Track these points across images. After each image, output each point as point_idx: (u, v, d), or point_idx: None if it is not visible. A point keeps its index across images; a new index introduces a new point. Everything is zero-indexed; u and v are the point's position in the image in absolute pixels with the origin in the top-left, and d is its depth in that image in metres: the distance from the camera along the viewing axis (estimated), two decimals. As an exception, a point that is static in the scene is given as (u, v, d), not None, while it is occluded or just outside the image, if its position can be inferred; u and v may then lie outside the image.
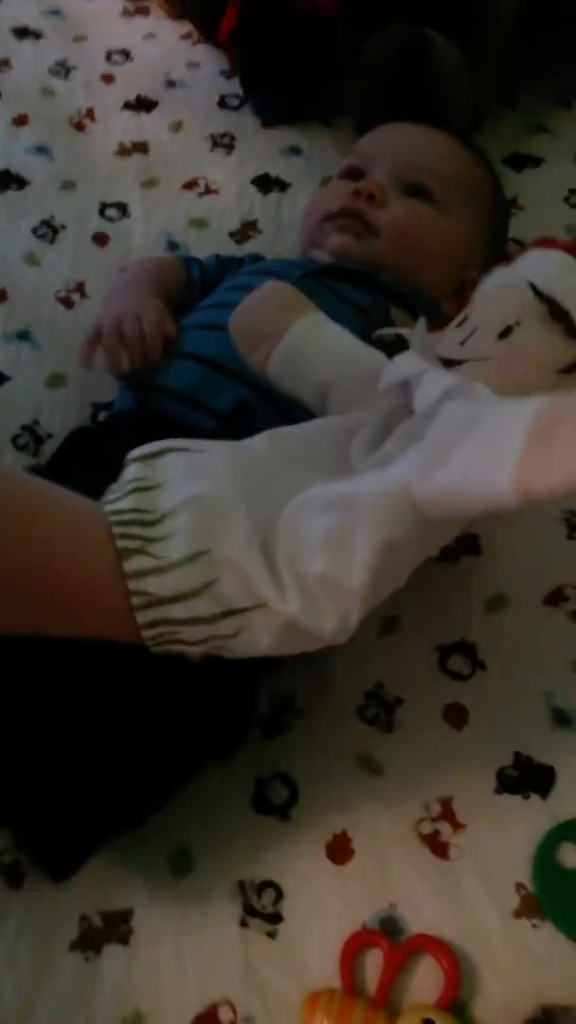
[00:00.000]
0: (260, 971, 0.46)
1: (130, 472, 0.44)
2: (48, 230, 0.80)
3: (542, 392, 0.43)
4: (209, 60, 0.94)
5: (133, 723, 0.44)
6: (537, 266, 0.47)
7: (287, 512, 0.42)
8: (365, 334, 0.57)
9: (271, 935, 0.47)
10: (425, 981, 0.46)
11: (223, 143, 0.88)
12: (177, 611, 0.40)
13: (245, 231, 0.81)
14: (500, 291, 0.47)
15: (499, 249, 0.74)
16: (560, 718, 0.55)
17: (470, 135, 0.84)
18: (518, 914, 0.48)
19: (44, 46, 0.95)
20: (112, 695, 0.44)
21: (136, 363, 0.60)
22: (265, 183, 0.85)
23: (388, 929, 0.48)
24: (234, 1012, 0.45)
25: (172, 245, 0.80)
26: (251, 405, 0.54)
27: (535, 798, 0.52)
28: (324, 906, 0.48)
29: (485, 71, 0.82)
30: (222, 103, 0.91)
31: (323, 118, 0.90)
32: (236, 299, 0.60)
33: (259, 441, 0.47)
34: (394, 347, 0.58)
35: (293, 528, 0.42)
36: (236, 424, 0.53)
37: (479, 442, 0.39)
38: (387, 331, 0.50)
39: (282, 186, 0.85)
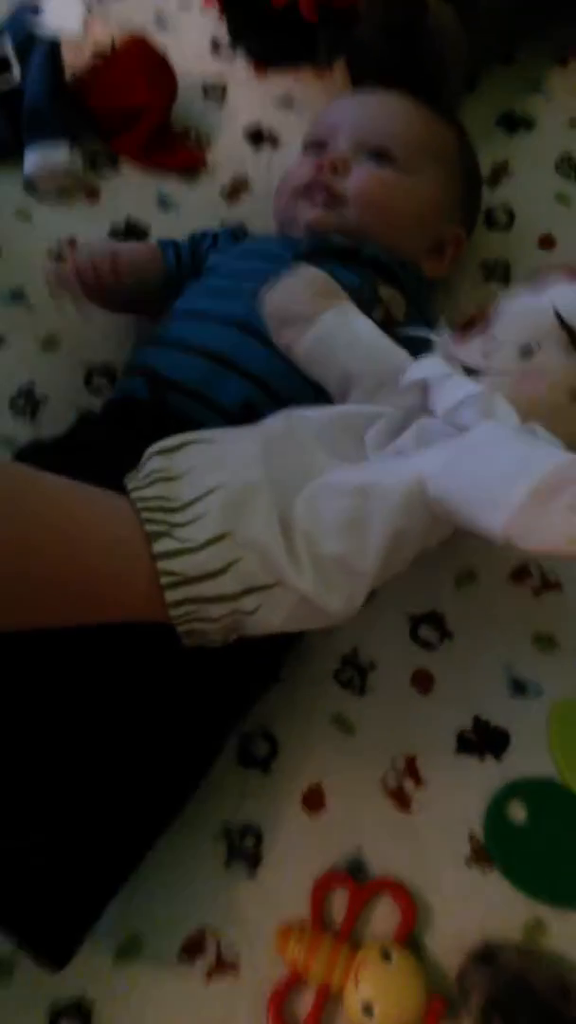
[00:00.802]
0: (241, 905, 0.52)
1: (152, 464, 0.46)
2: (39, 184, 0.79)
3: (554, 410, 0.47)
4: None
5: (113, 799, 0.46)
6: (564, 296, 0.50)
7: (307, 493, 0.45)
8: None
9: (251, 875, 0.53)
10: (385, 917, 0.52)
11: (214, 92, 0.87)
12: (204, 589, 0.43)
13: (237, 189, 0.81)
14: (526, 313, 0.51)
15: (473, 207, 0.75)
16: (517, 687, 0.60)
17: (463, 96, 0.84)
18: (469, 862, 0.54)
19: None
20: (88, 775, 0.45)
21: (90, 292, 0.66)
22: (257, 137, 0.84)
23: (354, 871, 0.54)
24: (217, 940, 0.52)
25: (163, 202, 0.80)
26: (257, 405, 0.56)
27: (490, 759, 0.58)
28: (298, 850, 0.54)
29: (482, 31, 0.81)
30: (214, 47, 0.89)
31: (317, 62, 0.88)
32: (231, 286, 0.62)
33: (278, 421, 0.51)
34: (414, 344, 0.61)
35: (312, 509, 0.45)
36: (244, 422, 0.55)
37: (494, 473, 0.42)
38: (413, 331, 0.53)
39: (274, 142, 0.84)
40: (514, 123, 0.86)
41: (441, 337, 0.52)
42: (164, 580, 0.43)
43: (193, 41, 0.90)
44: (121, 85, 0.79)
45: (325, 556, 0.44)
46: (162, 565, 0.43)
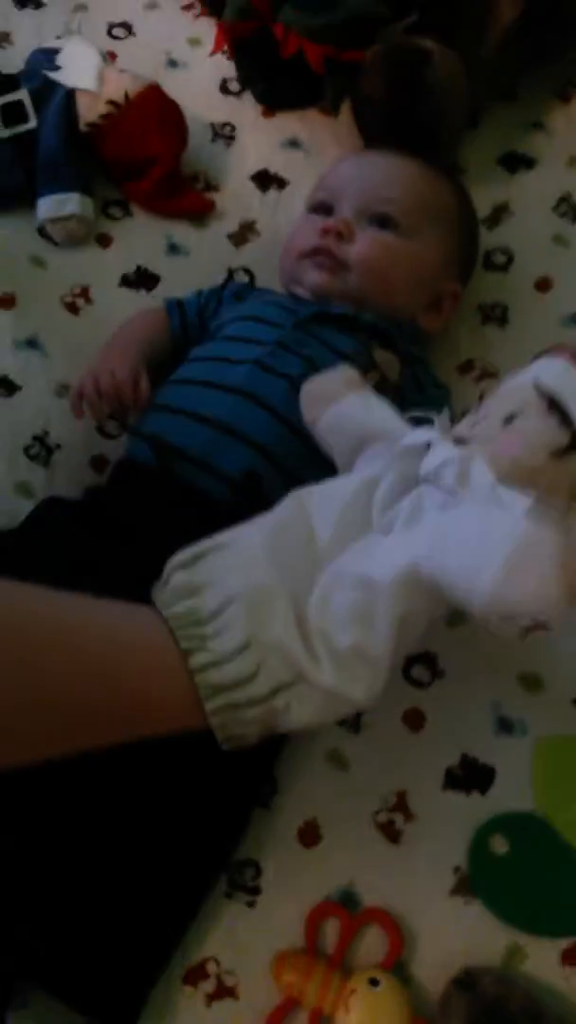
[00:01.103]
0: (240, 934, 0.57)
1: (176, 580, 0.49)
2: (55, 230, 0.83)
3: (533, 471, 0.50)
4: (211, 35, 0.94)
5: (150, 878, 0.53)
6: (543, 367, 0.53)
7: (317, 591, 0.48)
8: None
9: (250, 904, 0.58)
10: (374, 946, 0.56)
11: (223, 133, 0.90)
12: (238, 695, 0.45)
13: (243, 233, 0.84)
14: (512, 387, 0.53)
15: (471, 260, 0.78)
16: (503, 725, 0.64)
17: (464, 136, 0.86)
18: (453, 892, 0.58)
19: (45, 20, 0.94)
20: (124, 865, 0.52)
21: (115, 413, 0.68)
22: (264, 179, 0.87)
23: (346, 902, 0.58)
24: (218, 966, 0.56)
25: (172, 248, 0.83)
26: (260, 475, 0.60)
27: (476, 794, 0.61)
28: (294, 881, 0.58)
29: (485, 74, 0.83)
30: (224, 88, 0.92)
31: (324, 104, 0.90)
32: (233, 353, 0.66)
33: (286, 509, 0.52)
34: (376, 389, 0.64)
35: (323, 604, 0.47)
36: (247, 490, 0.59)
37: (473, 547, 0.46)
38: (417, 414, 0.56)
39: (280, 183, 0.87)
40: (515, 162, 0.88)
41: (441, 415, 0.55)
42: (203, 692, 0.45)
43: (203, 80, 0.92)
44: (134, 134, 0.82)
45: (341, 648, 0.46)
46: (199, 679, 0.45)
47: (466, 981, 0.54)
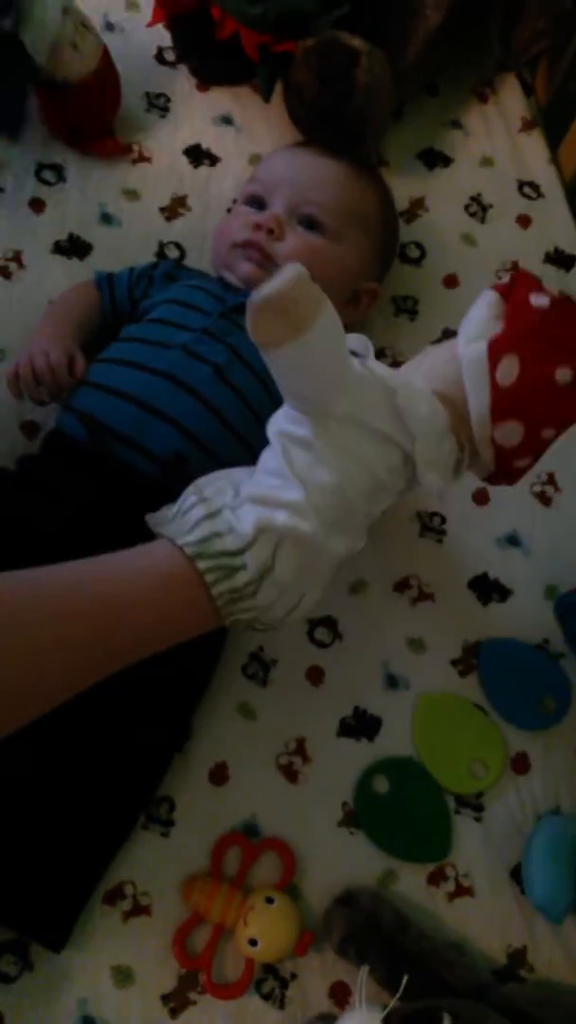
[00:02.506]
0: (154, 860, 0.64)
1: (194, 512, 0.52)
2: (-14, 191, 0.84)
3: None
4: (148, 0, 0.94)
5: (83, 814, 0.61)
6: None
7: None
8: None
9: (164, 835, 0.65)
10: (270, 870, 0.65)
11: (158, 104, 0.91)
12: (234, 561, 0.50)
13: (175, 207, 0.87)
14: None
15: (389, 261, 0.83)
16: (391, 682, 0.72)
17: (388, 129, 0.91)
18: (340, 824, 0.67)
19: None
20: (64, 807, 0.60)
21: (50, 392, 0.71)
22: (196, 154, 0.90)
23: (248, 832, 0.66)
24: (135, 887, 0.64)
25: (105, 218, 0.85)
26: (188, 457, 0.65)
27: (364, 741, 0.70)
28: (204, 815, 0.66)
29: (409, 73, 0.88)
30: (159, 57, 0.93)
31: (256, 83, 0.93)
32: (163, 337, 0.70)
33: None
34: None
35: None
36: (173, 469, 0.64)
37: None
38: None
39: (212, 160, 0.90)
40: (433, 158, 0.94)
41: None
42: (208, 577, 0.50)
43: (140, 46, 0.93)
44: (94, 102, 0.83)
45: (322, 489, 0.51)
46: (203, 564, 0.50)
47: (346, 899, 0.64)
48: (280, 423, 0.53)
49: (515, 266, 0.89)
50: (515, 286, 0.55)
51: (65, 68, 0.80)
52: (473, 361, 0.53)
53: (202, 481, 0.54)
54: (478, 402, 0.53)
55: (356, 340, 0.55)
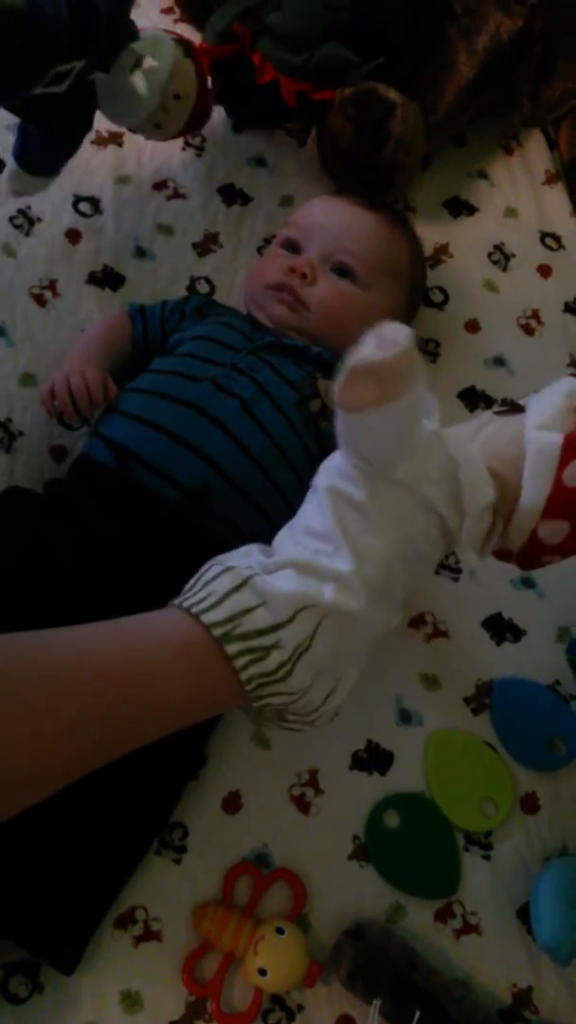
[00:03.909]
0: (166, 886, 0.65)
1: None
2: (24, 220, 0.86)
3: None
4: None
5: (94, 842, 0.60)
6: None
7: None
8: (297, 405, 0.71)
9: (177, 861, 0.66)
10: (281, 900, 0.65)
11: (194, 144, 0.94)
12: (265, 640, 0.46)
13: (207, 244, 0.90)
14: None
15: (416, 309, 0.86)
16: (404, 717, 0.73)
17: (412, 181, 0.94)
18: (350, 857, 0.68)
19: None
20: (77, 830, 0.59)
21: (82, 412, 0.73)
22: (230, 194, 0.93)
23: (259, 862, 0.67)
24: (146, 913, 0.64)
25: (139, 251, 0.88)
26: (213, 489, 0.66)
27: (376, 775, 0.71)
28: (216, 843, 0.67)
29: (440, 124, 0.91)
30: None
31: (290, 126, 0.95)
32: (192, 369, 0.72)
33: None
34: (318, 415, 0.72)
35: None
36: (199, 498, 0.66)
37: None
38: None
39: (244, 199, 0.93)
40: (458, 207, 0.97)
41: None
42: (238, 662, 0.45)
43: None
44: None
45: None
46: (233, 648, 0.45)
47: (356, 931, 0.64)
48: (332, 478, 0.50)
49: (536, 314, 0.92)
50: None
51: (150, 134, 0.81)
52: (543, 451, 0.50)
53: (222, 556, 0.50)
54: (535, 493, 0.50)
55: (429, 402, 0.52)
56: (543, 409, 0.52)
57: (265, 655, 0.45)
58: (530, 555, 0.54)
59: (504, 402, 0.56)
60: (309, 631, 0.45)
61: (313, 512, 0.50)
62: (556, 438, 0.50)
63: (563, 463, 0.49)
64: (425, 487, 0.49)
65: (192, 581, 0.49)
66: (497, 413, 0.55)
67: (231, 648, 0.45)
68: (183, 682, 0.45)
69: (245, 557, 0.49)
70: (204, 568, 0.49)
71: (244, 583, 0.46)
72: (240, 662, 0.44)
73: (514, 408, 0.54)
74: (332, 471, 0.51)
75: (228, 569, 0.47)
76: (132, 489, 0.66)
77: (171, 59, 0.75)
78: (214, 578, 0.47)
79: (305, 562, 0.46)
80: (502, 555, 0.56)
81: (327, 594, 0.46)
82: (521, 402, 0.55)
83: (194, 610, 0.46)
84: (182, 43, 0.78)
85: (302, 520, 0.50)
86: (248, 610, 0.45)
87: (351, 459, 0.50)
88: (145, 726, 0.45)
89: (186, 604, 0.47)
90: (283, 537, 0.49)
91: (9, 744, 0.40)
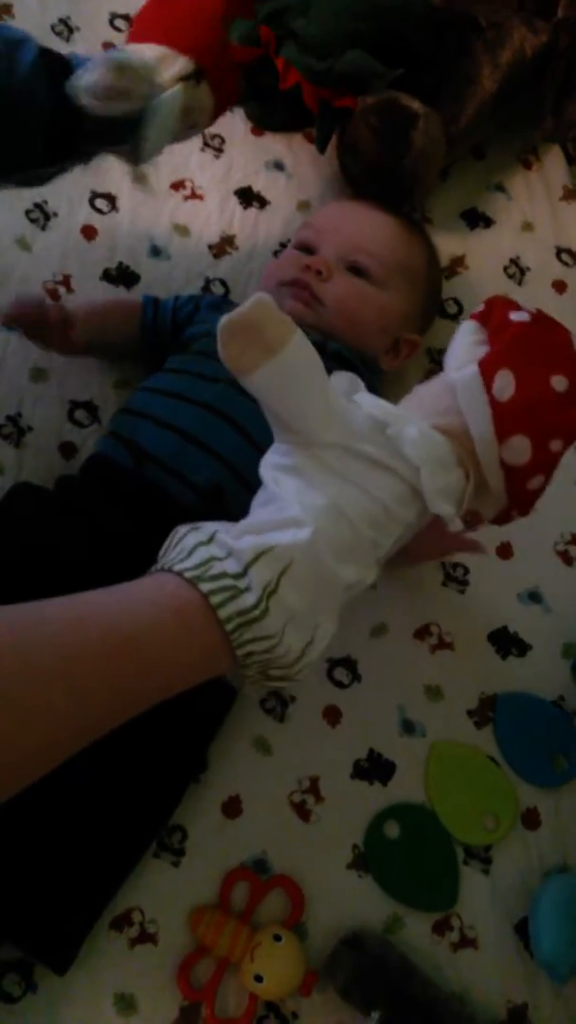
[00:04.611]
0: (164, 889, 0.64)
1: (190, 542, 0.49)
2: (40, 214, 0.86)
3: None
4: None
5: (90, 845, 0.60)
6: None
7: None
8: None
9: (175, 864, 0.65)
10: (278, 907, 0.65)
11: (212, 145, 0.94)
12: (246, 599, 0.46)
13: (223, 245, 0.89)
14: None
15: (431, 314, 0.86)
16: (407, 727, 0.73)
17: (431, 191, 0.94)
18: (349, 866, 0.68)
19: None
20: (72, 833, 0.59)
21: (32, 330, 0.76)
22: (247, 196, 0.93)
23: (258, 868, 0.66)
24: (142, 915, 0.64)
25: (155, 250, 0.87)
26: (225, 487, 0.66)
27: (377, 784, 0.71)
28: (215, 847, 0.66)
29: (460, 136, 0.91)
30: (218, 99, 0.96)
31: (310, 131, 0.96)
32: (206, 369, 0.72)
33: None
34: None
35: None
36: (212, 499, 0.66)
37: None
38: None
39: (262, 203, 0.93)
40: (475, 219, 0.97)
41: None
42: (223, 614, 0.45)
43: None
44: None
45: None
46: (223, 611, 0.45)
47: (353, 941, 0.64)
48: (269, 459, 0.52)
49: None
50: (492, 310, 0.55)
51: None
52: (467, 384, 0.51)
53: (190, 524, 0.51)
54: (480, 423, 0.51)
55: (344, 378, 0.54)
56: (454, 354, 0.55)
57: (237, 594, 0.46)
58: (516, 490, 0.54)
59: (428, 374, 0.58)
60: (275, 574, 0.46)
61: (257, 496, 0.52)
62: (472, 368, 0.52)
63: (488, 383, 0.51)
64: (360, 445, 0.50)
65: (164, 546, 0.51)
66: (419, 383, 0.57)
67: (205, 587, 0.46)
68: (175, 635, 0.45)
69: (211, 525, 0.50)
70: (173, 532, 0.51)
71: (211, 539, 0.48)
72: (216, 599, 0.46)
73: (432, 375, 0.57)
74: (269, 454, 0.53)
75: (194, 528, 0.49)
76: (146, 488, 0.66)
77: (174, 114, 0.67)
78: (183, 537, 0.49)
79: (257, 523, 0.49)
80: (503, 518, 0.56)
81: (281, 538, 0.47)
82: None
83: (166, 565, 0.48)
84: (189, 77, 0.68)
85: (251, 506, 0.52)
86: (215, 558, 0.47)
87: (279, 436, 0.52)
88: (146, 685, 0.45)
89: (161, 564, 0.49)
90: (242, 520, 0.51)
91: (17, 715, 0.40)
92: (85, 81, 0.61)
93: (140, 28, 0.67)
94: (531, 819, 0.71)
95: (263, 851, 0.67)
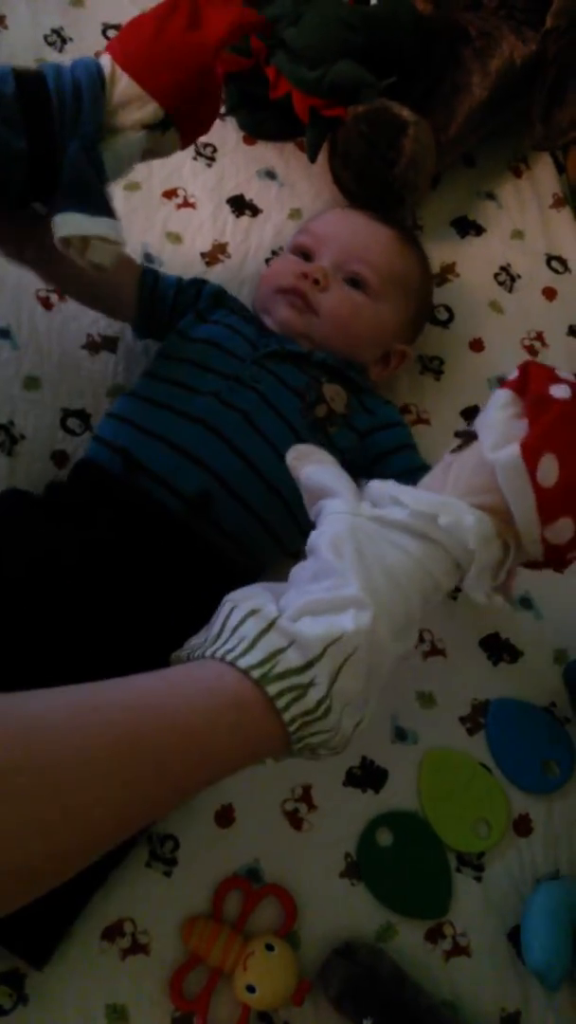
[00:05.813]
0: (155, 899, 0.64)
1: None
2: (34, 223, 0.86)
3: None
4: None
5: None
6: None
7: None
8: (302, 412, 0.72)
9: (167, 874, 0.65)
10: (271, 916, 0.65)
11: (205, 153, 0.95)
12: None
13: (215, 253, 0.90)
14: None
15: (422, 325, 0.86)
16: (399, 734, 0.73)
17: (422, 199, 0.94)
18: (342, 875, 0.67)
19: (41, 8, 0.96)
20: None
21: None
22: (239, 204, 0.93)
23: (251, 877, 0.66)
24: (134, 925, 0.63)
25: (148, 258, 0.88)
26: (214, 497, 0.66)
27: (370, 792, 0.71)
28: (207, 856, 0.66)
29: (451, 144, 0.91)
30: (210, 108, 0.96)
31: (302, 140, 0.96)
32: (194, 381, 0.72)
33: None
34: (325, 420, 0.72)
35: None
36: (200, 508, 0.66)
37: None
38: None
39: (254, 211, 0.93)
40: (466, 227, 0.97)
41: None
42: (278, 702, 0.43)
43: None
44: None
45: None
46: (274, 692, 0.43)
47: (345, 951, 0.64)
48: (323, 535, 0.49)
49: (540, 336, 0.92)
50: (529, 380, 0.53)
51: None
52: (509, 467, 0.50)
53: (236, 595, 0.49)
54: (523, 507, 0.50)
55: (374, 487, 0.53)
56: (490, 427, 0.53)
57: (303, 693, 0.43)
58: (555, 559, 0.54)
59: (457, 434, 0.56)
60: (338, 664, 0.44)
61: (302, 568, 0.50)
62: (514, 450, 0.50)
63: (532, 469, 0.50)
64: (426, 526, 0.49)
65: (215, 627, 0.47)
66: (454, 451, 0.55)
67: (272, 688, 0.43)
68: (231, 733, 0.43)
69: (256, 598, 0.48)
70: (222, 611, 0.48)
71: (271, 625, 0.45)
72: (282, 702, 0.43)
73: (467, 438, 0.55)
74: (324, 532, 0.50)
75: (252, 612, 0.46)
76: (134, 493, 0.66)
77: (131, 159, 0.66)
78: (241, 622, 0.46)
79: (315, 602, 0.46)
80: (534, 564, 0.56)
81: (348, 622, 0.45)
82: (471, 428, 0.55)
83: (228, 657, 0.44)
84: (156, 126, 0.65)
85: (296, 577, 0.50)
86: (280, 650, 0.44)
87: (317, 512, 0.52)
88: (189, 782, 0.43)
89: (219, 653, 0.45)
90: (291, 595, 0.48)
91: (65, 807, 0.37)
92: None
93: (123, 48, 0.62)
94: (523, 826, 0.71)
95: (256, 860, 0.67)
